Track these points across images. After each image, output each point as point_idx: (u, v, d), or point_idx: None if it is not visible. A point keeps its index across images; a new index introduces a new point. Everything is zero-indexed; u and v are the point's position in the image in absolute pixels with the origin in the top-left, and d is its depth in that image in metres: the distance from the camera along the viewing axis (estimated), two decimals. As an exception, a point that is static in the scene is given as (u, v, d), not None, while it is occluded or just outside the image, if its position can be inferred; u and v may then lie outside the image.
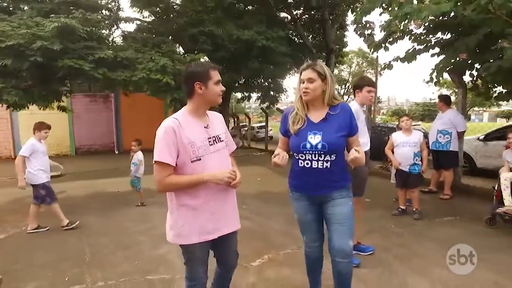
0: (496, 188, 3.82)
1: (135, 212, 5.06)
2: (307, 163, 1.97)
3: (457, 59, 5.05)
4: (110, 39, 7.93)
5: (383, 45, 6.31)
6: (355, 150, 1.85)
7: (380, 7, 5.79)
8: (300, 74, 2.01)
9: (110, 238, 3.91)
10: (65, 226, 4.26)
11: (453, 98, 7.63)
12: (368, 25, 9.86)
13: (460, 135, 5.38)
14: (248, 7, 11.16)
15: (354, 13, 8.81)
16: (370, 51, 8.80)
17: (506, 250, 3.23)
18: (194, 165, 1.74)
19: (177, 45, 8.91)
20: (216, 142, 1.84)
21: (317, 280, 2.32)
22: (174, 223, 1.79)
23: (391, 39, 6.04)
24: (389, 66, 6.54)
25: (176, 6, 8.44)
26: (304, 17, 12.58)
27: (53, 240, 3.93)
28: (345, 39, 14.99)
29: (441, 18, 5.07)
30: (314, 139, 1.94)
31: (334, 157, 1.95)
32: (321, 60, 14.08)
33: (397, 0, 5.09)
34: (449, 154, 5.29)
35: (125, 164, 7.85)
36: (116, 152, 14.70)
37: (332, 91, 1.99)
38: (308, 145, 1.95)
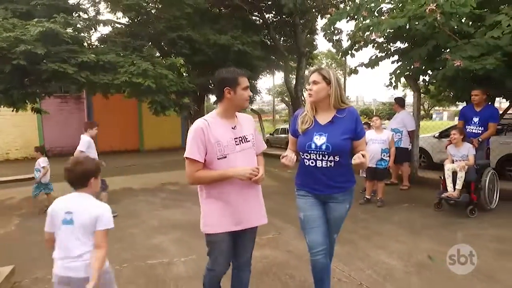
0: (442, 177, 4.52)
1: (122, 209, 5.29)
2: (312, 162, 2.06)
3: (412, 66, 5.78)
4: (89, 42, 7.97)
5: (349, 51, 6.96)
6: (361, 155, 1.89)
7: (346, 18, 6.42)
8: (309, 78, 2.11)
9: (104, 232, 4.17)
10: None
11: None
12: (336, 31, 10.62)
13: (410, 134, 6.08)
14: (222, 9, 11.51)
15: (324, 20, 9.48)
16: (338, 55, 9.52)
17: (446, 226, 3.90)
18: (220, 162, 1.89)
19: (154, 48, 9.11)
20: (243, 142, 1.97)
21: None
22: (203, 214, 1.98)
23: (356, 47, 6.69)
24: (354, 71, 7.22)
25: (154, 11, 8.64)
26: (276, 20, 13.10)
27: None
28: (315, 43, 15.75)
29: (398, 29, 5.76)
30: (320, 139, 2.02)
31: (338, 158, 2.02)
32: (292, 62, 14.77)
33: (361, 13, 5.76)
34: (400, 150, 5.93)
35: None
36: (89, 153, 14.48)
37: (338, 95, 2.03)
38: (313, 145, 2.03)
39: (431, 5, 4.07)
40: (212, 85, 10.50)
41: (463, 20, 5.16)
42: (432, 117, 40.00)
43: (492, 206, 4.42)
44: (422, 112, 38.45)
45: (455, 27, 5.01)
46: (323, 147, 2.00)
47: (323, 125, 2.06)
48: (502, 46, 4.30)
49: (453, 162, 4.41)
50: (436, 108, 36.31)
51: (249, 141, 2.00)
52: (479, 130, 4.57)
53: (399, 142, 5.92)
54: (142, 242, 3.80)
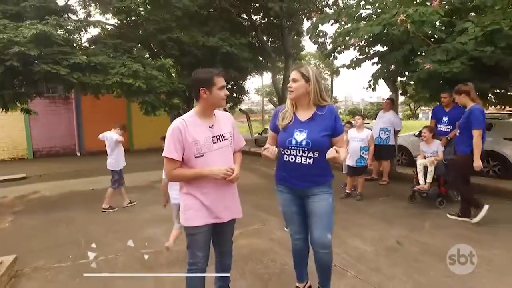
0: (414, 172, 4.89)
1: (115, 205, 5.47)
2: (292, 158, 2.11)
3: (390, 69, 6.16)
4: (80, 43, 8.09)
5: (332, 54, 7.33)
6: (335, 150, 1.95)
7: (329, 22, 6.77)
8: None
9: (98, 226, 4.40)
10: (126, 205, 5.32)
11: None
12: (321, 33, 10.97)
13: (396, 132, 6.48)
14: (211, 10, 11.77)
15: (310, 22, 9.79)
16: (323, 57, 9.89)
17: (416, 216, 4.28)
18: (197, 161, 1.95)
19: (144, 50, 9.29)
20: (220, 141, 2.03)
21: (302, 272, 2.43)
22: (182, 208, 2.06)
23: (338, 50, 7.05)
24: (336, 72, 7.57)
25: (144, 13, 8.83)
26: (263, 22, 13.43)
27: (42, 232, 4.29)
28: (301, 44, 16.17)
29: (376, 35, 6.12)
30: (300, 136, 2.08)
31: (317, 155, 2.07)
32: (280, 63, 15.13)
33: (342, 18, 6.11)
34: (388, 147, 6.34)
35: (90, 165, 8.24)
36: (78, 154, 14.49)
37: (317, 92, 2.09)
38: (293, 141, 2.08)
39: (401, 15, 4.42)
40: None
41: (437, 25, 5.54)
42: (418, 116, 41.05)
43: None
44: (408, 112, 39.37)
45: (429, 32, 5.40)
46: (303, 143, 2.06)
47: (303, 121, 2.12)
48: (468, 50, 4.69)
49: (425, 158, 4.78)
50: (423, 108, 37.30)
51: (226, 139, 2.07)
52: (448, 128, 4.95)
53: (387, 140, 6.31)
54: (135, 233, 4.04)
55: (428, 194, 4.58)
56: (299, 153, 2.09)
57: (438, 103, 5.59)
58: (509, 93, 6.07)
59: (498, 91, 6.00)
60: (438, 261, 2.95)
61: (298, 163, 2.09)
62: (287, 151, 2.13)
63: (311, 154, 2.07)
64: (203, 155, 1.96)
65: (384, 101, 6.82)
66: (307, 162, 2.08)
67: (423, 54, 5.30)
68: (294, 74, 2.11)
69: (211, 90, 1.94)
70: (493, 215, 3.99)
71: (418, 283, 2.60)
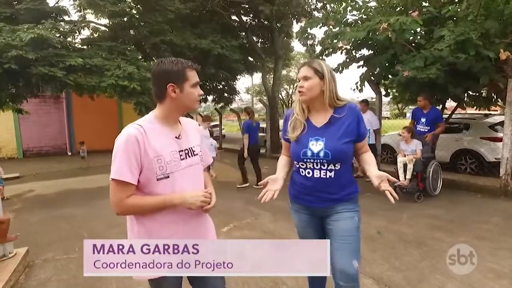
0: (395, 169, 5.27)
1: (112, 203, 5.71)
2: (309, 172, 1.73)
3: (374, 71, 6.54)
4: (74, 45, 8.22)
5: (320, 57, 7.68)
6: (383, 178, 1.66)
7: (316, 26, 7.11)
8: (298, 73, 1.79)
9: (98, 221, 4.63)
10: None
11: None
12: (310, 36, 11.32)
13: (376, 131, 6.89)
14: (203, 11, 11.98)
15: (300, 24, 10.11)
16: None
17: (396, 209, 4.62)
18: (161, 184, 1.41)
19: (138, 52, 9.45)
20: (189, 156, 1.51)
21: None
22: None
23: (326, 52, 7.41)
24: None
25: (137, 16, 9.00)
26: (254, 24, 13.70)
27: (45, 227, 4.51)
28: (291, 45, 16.57)
29: (362, 39, 6.49)
30: (316, 146, 1.70)
31: (339, 166, 1.70)
32: (270, 63, 15.44)
33: (329, 22, 6.46)
34: (369, 146, 6.75)
35: (82, 164, 8.31)
36: (69, 153, 14.52)
37: (333, 91, 1.73)
38: (309, 153, 1.71)
39: (383, 24, 4.78)
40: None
41: (417, 31, 5.94)
42: (406, 115, 42.01)
43: (436, 193, 5.21)
44: (396, 111, 40.31)
45: (410, 38, 5.79)
46: (321, 154, 1.69)
47: (319, 128, 1.75)
48: (444, 57, 5.08)
49: (404, 156, 5.16)
50: (411, 107, 38.11)
51: (196, 154, 1.56)
52: (426, 128, 5.37)
53: (368, 139, 6.68)
54: (135, 229, 4.28)
55: (408, 189, 4.97)
56: (317, 166, 1.71)
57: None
58: (483, 96, 6.54)
59: (472, 94, 6.45)
60: (412, 247, 3.32)
61: (317, 178, 1.72)
62: (302, 165, 1.75)
63: (331, 167, 1.70)
64: (168, 176, 1.42)
65: (360, 105, 7.24)
66: (328, 176, 1.71)
67: (404, 60, 5.68)
68: (305, 71, 1.72)
69: (182, 87, 1.42)
70: (465, 208, 4.39)
71: (393, 266, 2.95)
